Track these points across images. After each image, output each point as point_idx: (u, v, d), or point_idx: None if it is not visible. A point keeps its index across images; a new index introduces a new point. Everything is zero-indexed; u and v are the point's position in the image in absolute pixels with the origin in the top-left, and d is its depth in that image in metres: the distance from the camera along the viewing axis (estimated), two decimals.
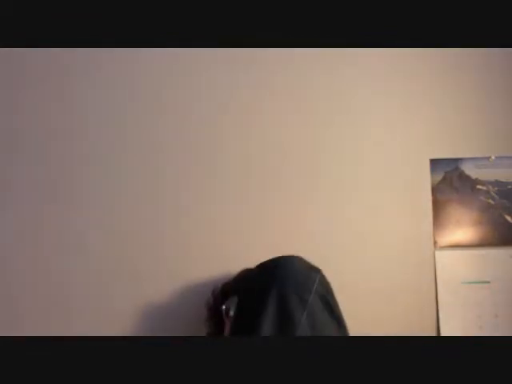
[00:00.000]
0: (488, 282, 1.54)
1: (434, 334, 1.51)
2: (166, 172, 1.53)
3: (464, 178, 1.57)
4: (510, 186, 1.57)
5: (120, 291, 1.48)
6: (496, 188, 1.57)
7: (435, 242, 1.55)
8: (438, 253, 1.54)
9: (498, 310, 1.52)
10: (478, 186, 1.57)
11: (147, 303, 1.48)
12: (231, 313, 1.23)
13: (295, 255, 1.22)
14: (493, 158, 1.57)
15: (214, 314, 1.34)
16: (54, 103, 1.53)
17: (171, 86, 1.55)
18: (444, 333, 1.51)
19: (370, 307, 1.49)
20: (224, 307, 1.28)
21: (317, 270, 1.18)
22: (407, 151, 1.56)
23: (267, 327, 1.04)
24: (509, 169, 1.57)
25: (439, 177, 1.56)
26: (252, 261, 1.49)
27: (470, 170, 1.57)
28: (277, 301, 1.07)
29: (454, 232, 1.55)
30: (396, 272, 1.52)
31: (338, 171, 1.55)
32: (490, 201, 1.56)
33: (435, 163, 1.56)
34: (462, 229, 1.55)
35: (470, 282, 1.54)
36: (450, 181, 1.56)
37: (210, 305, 1.40)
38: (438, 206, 1.55)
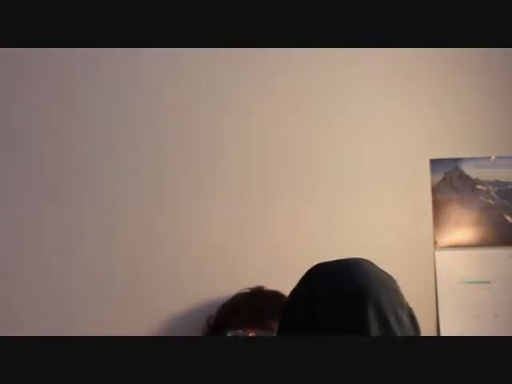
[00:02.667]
0: (488, 282, 1.54)
1: (434, 334, 1.51)
2: (165, 172, 1.53)
3: (464, 178, 1.57)
4: (510, 186, 1.57)
5: (120, 291, 1.48)
6: (496, 188, 1.56)
7: (435, 242, 1.55)
8: (437, 253, 1.54)
9: (497, 310, 1.52)
10: (478, 186, 1.57)
11: (147, 303, 1.48)
12: None
13: (362, 258, 1.03)
14: (493, 158, 1.57)
15: None
16: (54, 103, 1.53)
17: (171, 86, 1.55)
18: (444, 333, 1.51)
19: None
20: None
21: (393, 278, 1.02)
22: (407, 151, 1.56)
23: None
24: (509, 169, 1.57)
25: (439, 177, 1.56)
26: (252, 261, 1.50)
27: (469, 170, 1.57)
28: (378, 321, 0.90)
29: (454, 232, 1.55)
30: (396, 272, 1.51)
31: (337, 171, 1.55)
32: (490, 201, 1.56)
33: (435, 163, 1.56)
34: (462, 229, 1.55)
35: (469, 282, 1.54)
36: (450, 181, 1.56)
37: (206, 334, 1.40)
38: (438, 206, 1.55)
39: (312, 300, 0.93)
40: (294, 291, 0.99)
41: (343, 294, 0.91)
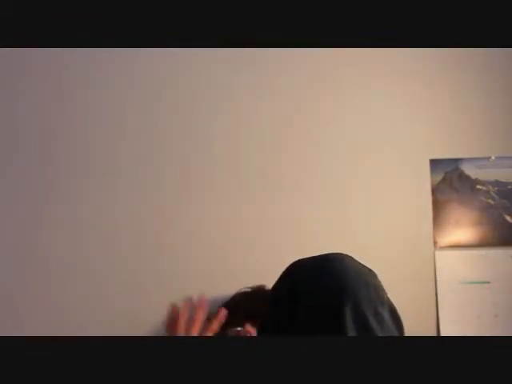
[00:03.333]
0: (488, 282, 1.54)
1: (434, 334, 1.51)
2: (165, 171, 1.53)
3: (464, 178, 1.57)
4: (510, 186, 1.57)
5: (120, 291, 1.48)
6: (496, 188, 1.56)
7: (435, 242, 1.55)
8: (437, 253, 1.54)
9: (498, 310, 1.52)
10: (478, 186, 1.57)
11: (147, 303, 1.48)
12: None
13: (342, 254, 1.01)
14: (493, 158, 1.57)
15: None
16: (54, 103, 1.53)
17: (171, 86, 1.55)
18: (444, 333, 1.51)
19: None
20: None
21: (374, 273, 0.99)
22: (407, 151, 1.56)
23: None
24: (509, 169, 1.57)
25: (439, 177, 1.56)
26: (252, 260, 1.50)
27: (470, 170, 1.57)
28: (354, 320, 0.88)
29: (453, 232, 1.55)
30: (396, 272, 1.52)
31: (337, 171, 1.55)
32: (490, 201, 1.56)
33: (435, 163, 1.56)
34: (462, 229, 1.55)
35: (469, 282, 1.54)
36: (450, 181, 1.56)
37: None
38: (438, 206, 1.55)
39: (292, 297, 0.92)
40: (274, 288, 0.99)
41: (322, 291, 0.90)
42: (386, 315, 0.91)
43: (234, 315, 1.38)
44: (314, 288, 0.92)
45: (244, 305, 1.40)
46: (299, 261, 0.99)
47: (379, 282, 0.96)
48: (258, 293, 1.43)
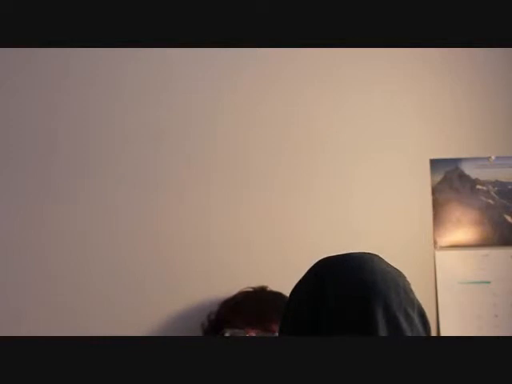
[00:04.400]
0: (488, 282, 1.54)
1: (434, 334, 1.51)
2: (166, 171, 1.53)
3: (464, 178, 1.57)
4: (510, 186, 1.57)
5: (120, 291, 1.48)
6: (496, 188, 1.57)
7: (435, 242, 1.55)
8: (437, 253, 1.54)
9: (497, 310, 1.52)
10: (478, 186, 1.57)
11: (147, 303, 1.48)
12: None
13: (370, 253, 0.98)
14: (493, 158, 1.57)
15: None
16: (54, 103, 1.53)
17: (171, 86, 1.55)
18: (444, 333, 1.51)
19: None
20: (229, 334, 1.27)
21: (403, 274, 0.96)
22: (407, 151, 1.56)
23: None
24: (509, 169, 1.57)
25: (439, 177, 1.56)
26: (252, 260, 1.50)
27: (470, 170, 1.57)
28: (386, 320, 0.86)
29: (453, 232, 1.55)
30: None
31: (337, 171, 1.55)
32: (490, 201, 1.56)
33: (435, 163, 1.56)
34: (462, 229, 1.55)
35: (469, 282, 1.54)
36: (450, 181, 1.56)
37: (205, 329, 1.40)
38: (437, 206, 1.55)
39: (318, 297, 0.89)
40: (299, 287, 0.95)
41: (351, 292, 0.88)
42: (416, 317, 0.90)
43: (234, 314, 1.38)
44: (341, 289, 0.89)
45: (245, 304, 1.40)
46: (325, 259, 0.96)
47: (408, 283, 0.94)
48: (260, 293, 1.43)
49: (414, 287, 1.56)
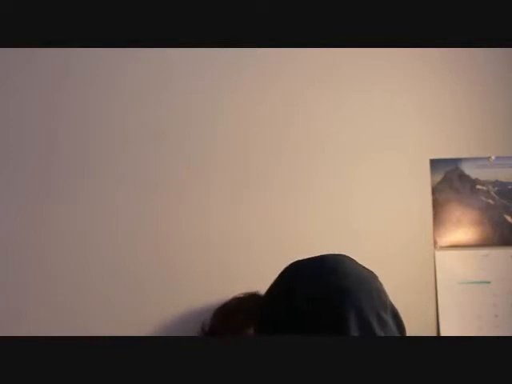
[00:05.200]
0: (488, 282, 1.54)
1: (434, 334, 1.51)
2: (166, 171, 1.53)
3: (464, 178, 1.57)
4: (510, 186, 1.57)
5: (120, 292, 1.48)
6: (496, 188, 1.57)
7: (435, 242, 1.55)
8: (437, 253, 1.54)
9: (497, 310, 1.52)
10: (478, 186, 1.57)
11: (147, 303, 1.48)
12: None
13: (341, 255, 0.98)
14: (493, 158, 1.57)
15: None
16: (54, 103, 1.53)
17: (171, 87, 1.55)
18: (444, 333, 1.51)
19: None
20: None
21: (376, 276, 0.95)
22: (407, 151, 1.56)
23: None
24: (509, 169, 1.57)
25: (439, 177, 1.56)
26: (251, 260, 1.49)
27: (470, 170, 1.57)
28: (359, 326, 0.85)
29: (453, 232, 1.55)
30: (396, 272, 1.52)
31: (337, 171, 1.55)
32: (490, 201, 1.56)
33: (435, 163, 1.56)
34: (462, 229, 1.55)
35: (469, 282, 1.54)
36: (450, 181, 1.56)
37: None
38: (437, 206, 1.55)
39: (290, 300, 0.88)
40: (271, 289, 0.94)
41: (323, 295, 0.87)
42: (390, 320, 0.89)
43: (227, 322, 1.38)
44: (313, 291, 0.88)
45: (238, 311, 1.40)
46: (297, 261, 0.95)
47: (381, 284, 0.93)
48: (251, 299, 1.43)
49: (413, 287, 1.57)
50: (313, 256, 0.96)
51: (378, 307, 0.88)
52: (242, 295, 1.44)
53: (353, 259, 0.96)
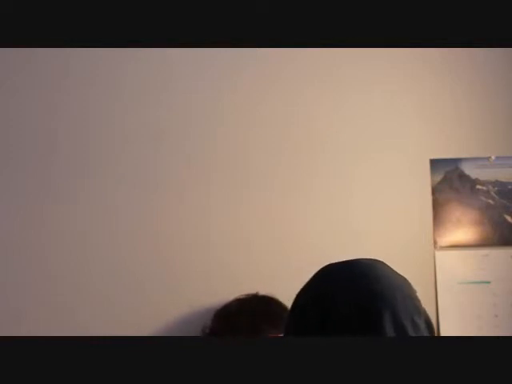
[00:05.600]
0: (488, 283, 1.54)
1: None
2: (166, 171, 1.53)
3: (464, 178, 1.57)
4: (510, 186, 1.57)
5: (120, 291, 1.48)
6: (496, 188, 1.57)
7: (435, 242, 1.55)
8: (437, 253, 1.54)
9: (498, 310, 1.52)
10: (478, 186, 1.57)
11: (147, 303, 1.48)
12: None
13: (374, 260, 0.99)
14: (493, 158, 1.57)
15: None
16: (54, 103, 1.53)
17: (171, 87, 1.55)
18: (444, 333, 1.51)
19: None
20: None
21: (408, 282, 0.96)
22: (407, 151, 1.56)
23: None
24: (509, 169, 1.57)
25: (439, 177, 1.56)
26: (251, 260, 1.49)
27: (470, 170, 1.57)
28: (394, 329, 0.86)
29: (453, 232, 1.55)
30: None
31: (337, 171, 1.55)
32: (490, 201, 1.56)
33: (435, 163, 1.56)
34: (462, 229, 1.55)
35: (469, 283, 1.54)
36: (450, 181, 1.56)
37: None
38: (437, 206, 1.55)
39: (324, 304, 0.88)
40: (304, 293, 0.94)
41: (357, 301, 0.87)
42: (422, 326, 0.90)
43: (228, 324, 1.38)
44: (347, 297, 0.88)
45: (239, 316, 1.40)
46: (330, 265, 0.95)
47: (414, 290, 0.94)
48: (252, 300, 1.43)
49: (413, 287, 1.57)
50: (345, 260, 0.96)
51: (411, 311, 0.89)
52: (243, 296, 1.44)
53: (385, 264, 0.97)
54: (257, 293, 1.44)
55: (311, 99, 1.56)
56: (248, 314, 1.39)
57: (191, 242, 1.51)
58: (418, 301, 0.93)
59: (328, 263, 0.95)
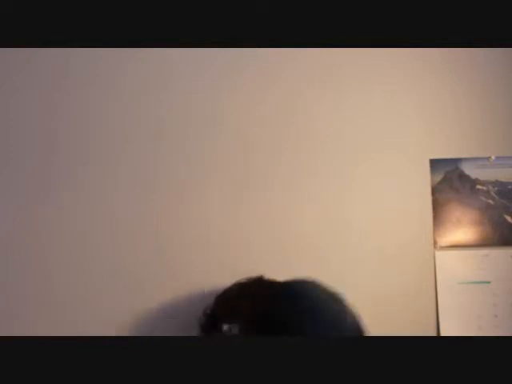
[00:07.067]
0: (488, 282, 1.54)
1: (434, 334, 1.51)
2: (166, 171, 1.53)
3: (464, 178, 1.57)
4: (510, 186, 1.57)
5: (120, 291, 1.48)
6: (496, 188, 1.57)
7: (435, 242, 1.55)
8: (437, 253, 1.54)
9: (497, 310, 1.52)
10: (478, 186, 1.57)
11: (147, 303, 1.48)
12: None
13: (312, 281, 1.20)
14: (493, 158, 1.57)
15: (208, 333, 1.35)
16: (55, 103, 1.53)
17: (171, 86, 1.55)
18: (444, 333, 1.51)
19: (370, 307, 1.49)
20: (225, 328, 1.29)
21: (339, 298, 1.17)
22: (407, 151, 1.56)
23: None
24: (509, 169, 1.57)
25: (439, 177, 1.56)
26: (251, 260, 1.49)
27: (470, 170, 1.57)
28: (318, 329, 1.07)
29: (453, 232, 1.55)
30: (396, 272, 1.52)
31: (337, 171, 1.55)
32: (490, 201, 1.56)
33: (435, 163, 1.56)
34: (462, 229, 1.55)
35: (469, 283, 1.54)
36: (450, 181, 1.56)
37: (202, 324, 1.40)
38: (437, 206, 1.55)
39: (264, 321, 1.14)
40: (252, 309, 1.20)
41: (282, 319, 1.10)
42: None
43: (230, 309, 1.37)
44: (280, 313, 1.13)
45: (239, 297, 1.40)
46: (270, 285, 1.25)
47: (343, 307, 1.13)
48: (255, 283, 1.42)
49: (413, 287, 1.58)
50: (284, 281, 1.22)
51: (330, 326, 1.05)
52: (244, 280, 1.44)
53: (317, 284, 1.17)
54: (261, 276, 1.43)
55: (311, 99, 1.56)
56: (249, 298, 1.39)
57: (191, 242, 1.51)
58: (344, 317, 1.09)
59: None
